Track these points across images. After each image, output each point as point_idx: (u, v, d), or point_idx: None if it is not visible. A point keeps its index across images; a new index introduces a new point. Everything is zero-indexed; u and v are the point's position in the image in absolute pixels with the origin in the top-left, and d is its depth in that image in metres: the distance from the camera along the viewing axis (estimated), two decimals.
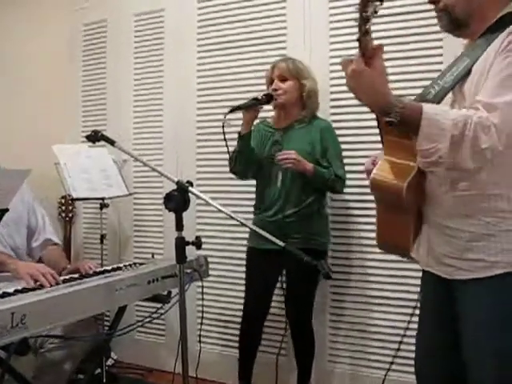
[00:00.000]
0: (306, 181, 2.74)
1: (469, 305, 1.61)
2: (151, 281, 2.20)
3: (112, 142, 2.11)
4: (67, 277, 2.19)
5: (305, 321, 2.86)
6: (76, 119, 4.04)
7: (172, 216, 1.88)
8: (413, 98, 1.63)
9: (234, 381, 3.03)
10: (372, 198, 1.73)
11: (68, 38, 4.08)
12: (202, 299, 2.52)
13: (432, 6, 1.69)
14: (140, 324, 2.41)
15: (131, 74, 3.80)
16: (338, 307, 3.08)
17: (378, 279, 2.92)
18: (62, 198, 3.77)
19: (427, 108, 1.44)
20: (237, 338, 2.99)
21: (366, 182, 1.69)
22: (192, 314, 3.17)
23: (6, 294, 1.84)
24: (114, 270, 2.33)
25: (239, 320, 2.96)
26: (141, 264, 2.46)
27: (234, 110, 2.71)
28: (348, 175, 2.85)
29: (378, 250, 1.83)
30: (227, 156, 2.82)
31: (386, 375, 2.15)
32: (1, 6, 3.68)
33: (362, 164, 1.82)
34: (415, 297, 2.61)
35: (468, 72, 1.57)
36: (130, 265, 2.43)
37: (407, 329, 1.93)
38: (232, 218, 1.86)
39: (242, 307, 2.96)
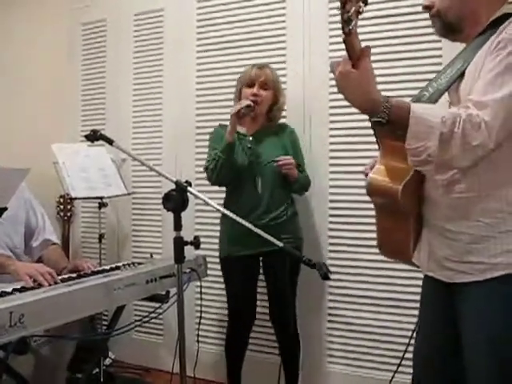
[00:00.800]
0: (284, 185, 2.81)
1: (469, 308, 1.60)
2: (149, 280, 2.21)
3: (110, 142, 2.11)
4: (66, 276, 2.19)
5: (290, 320, 2.85)
6: (75, 118, 4.04)
7: (171, 216, 1.88)
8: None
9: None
10: (369, 198, 1.72)
11: (67, 38, 4.09)
12: (201, 299, 2.52)
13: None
14: (138, 324, 2.42)
15: (130, 74, 3.80)
16: (335, 308, 3.09)
17: (375, 280, 2.93)
18: (61, 197, 3.78)
19: (415, 107, 1.43)
20: None
21: (364, 184, 1.69)
22: (190, 313, 3.18)
23: (4, 294, 1.84)
24: (112, 269, 2.34)
25: None
26: (139, 264, 2.47)
27: (239, 112, 2.70)
28: (346, 177, 2.87)
29: (375, 250, 1.82)
30: None
31: (392, 377, 2.15)
32: (0, 5, 3.67)
33: (360, 165, 1.83)
34: (413, 297, 2.63)
35: (462, 74, 1.58)
36: (129, 264, 2.44)
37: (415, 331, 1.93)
38: (230, 217, 1.86)
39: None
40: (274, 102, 2.87)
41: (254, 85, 2.81)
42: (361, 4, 1.36)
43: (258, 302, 2.99)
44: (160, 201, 1.88)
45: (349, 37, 1.40)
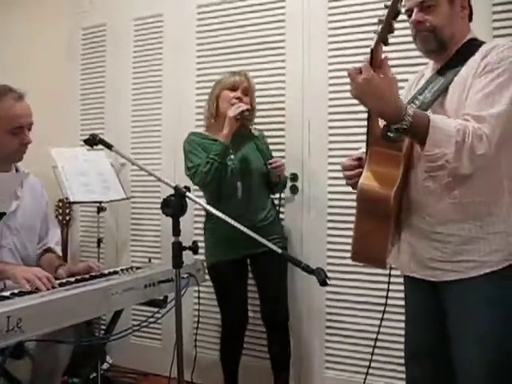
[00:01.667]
0: (264, 188, 2.87)
1: (455, 305, 1.71)
2: (148, 285, 2.20)
3: (110, 146, 2.11)
4: (64, 280, 2.19)
5: (284, 322, 2.88)
6: (74, 123, 4.04)
7: (169, 220, 1.88)
8: None
9: None
10: None
11: (67, 42, 4.09)
12: (199, 304, 2.52)
13: None
14: (136, 329, 2.41)
15: (130, 78, 3.80)
16: (333, 313, 3.08)
17: (374, 286, 2.92)
18: (60, 201, 3.77)
19: (433, 116, 1.56)
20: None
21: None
22: (188, 318, 3.18)
23: (2, 298, 1.84)
24: (110, 273, 2.33)
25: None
26: (137, 268, 2.46)
27: (243, 113, 2.72)
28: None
29: None
30: None
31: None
32: (1, 9, 3.68)
33: None
34: None
35: (445, 90, 1.71)
36: (127, 269, 2.43)
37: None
38: (228, 223, 1.87)
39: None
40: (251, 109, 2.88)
41: (237, 89, 2.83)
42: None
43: (250, 307, 3.00)
44: (159, 205, 1.88)
45: (378, 47, 1.54)
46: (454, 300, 1.71)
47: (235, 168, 2.81)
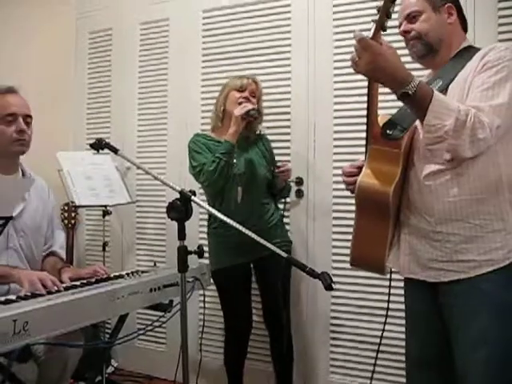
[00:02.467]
0: (266, 192, 2.87)
1: (456, 305, 1.72)
2: (153, 289, 2.21)
3: (115, 151, 2.12)
4: (69, 284, 2.19)
5: (285, 326, 2.87)
6: (81, 127, 4.06)
7: (175, 224, 1.89)
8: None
9: None
10: None
11: (74, 46, 4.11)
12: (204, 307, 2.52)
13: None
14: (141, 333, 2.41)
15: (136, 83, 3.82)
16: (338, 318, 3.08)
17: (379, 290, 2.91)
18: (65, 205, 3.78)
19: (437, 92, 1.61)
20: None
21: None
22: (193, 322, 3.18)
23: (8, 301, 1.84)
24: (116, 277, 2.34)
25: None
26: (143, 272, 2.47)
27: (248, 113, 2.71)
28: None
29: None
30: None
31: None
32: (6, 15, 3.70)
33: None
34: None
35: (444, 90, 1.75)
36: (132, 273, 2.44)
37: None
38: (232, 226, 1.87)
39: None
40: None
41: (245, 90, 2.84)
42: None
43: (255, 310, 3.00)
44: (164, 209, 1.89)
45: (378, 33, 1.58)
46: (455, 301, 1.72)
47: (238, 172, 2.80)
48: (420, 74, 2.01)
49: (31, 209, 2.43)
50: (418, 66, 1.99)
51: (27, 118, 2.37)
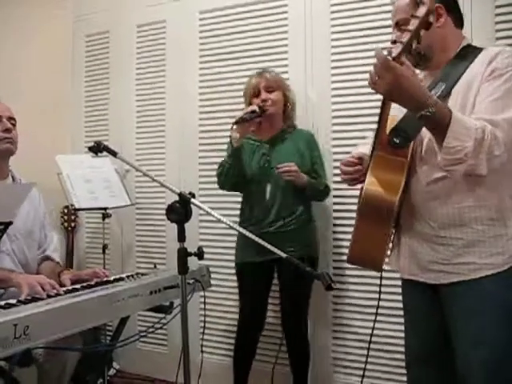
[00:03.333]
0: (296, 192, 2.78)
1: (457, 306, 1.73)
2: (153, 291, 2.20)
3: (114, 154, 2.11)
4: (70, 287, 2.19)
5: (301, 331, 2.86)
6: (79, 130, 4.06)
7: (174, 226, 1.88)
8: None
9: None
10: None
11: (71, 49, 4.11)
12: (204, 309, 2.52)
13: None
14: (142, 335, 2.41)
15: (133, 85, 3.82)
16: (340, 317, 3.08)
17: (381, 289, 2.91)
18: (65, 207, 3.79)
19: (454, 111, 1.58)
20: None
21: None
22: (194, 324, 3.18)
23: (8, 305, 1.84)
24: (116, 280, 2.34)
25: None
26: (143, 274, 2.47)
27: (238, 122, 2.71)
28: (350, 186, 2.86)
29: None
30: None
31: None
32: (4, 19, 3.70)
33: (363, 175, 1.86)
34: None
35: (447, 94, 1.73)
36: (133, 275, 2.44)
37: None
38: (232, 228, 1.87)
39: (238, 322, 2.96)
40: (286, 100, 2.88)
41: (260, 92, 2.83)
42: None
43: (272, 313, 3.00)
44: (164, 211, 1.88)
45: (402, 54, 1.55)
46: (455, 302, 1.74)
47: (267, 169, 2.80)
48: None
49: (23, 214, 2.44)
50: None
51: (11, 119, 2.47)
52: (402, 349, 2.02)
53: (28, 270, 2.45)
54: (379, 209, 1.72)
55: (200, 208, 1.88)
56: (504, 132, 1.57)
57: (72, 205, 3.37)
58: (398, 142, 1.71)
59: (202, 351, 2.63)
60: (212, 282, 2.70)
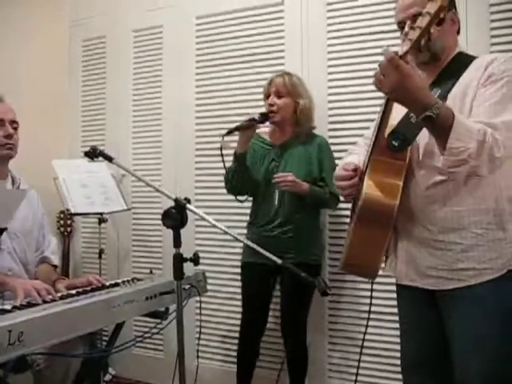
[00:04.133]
0: (302, 199, 2.76)
1: (456, 312, 1.73)
2: (149, 297, 2.20)
3: (110, 159, 2.11)
4: (65, 293, 2.19)
5: (299, 336, 2.86)
6: (75, 134, 4.06)
7: (170, 231, 1.88)
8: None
9: None
10: None
11: (67, 54, 4.11)
12: (200, 314, 2.51)
13: None
14: (138, 340, 2.40)
15: (130, 90, 3.82)
16: (336, 322, 3.08)
17: (375, 295, 2.90)
18: (61, 212, 3.78)
19: (456, 112, 1.59)
20: (235, 353, 2.99)
21: None
22: (190, 329, 3.17)
23: (2, 311, 1.84)
24: (112, 285, 2.33)
25: (237, 335, 2.96)
26: (139, 280, 2.46)
27: (231, 131, 2.72)
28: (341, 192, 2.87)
29: None
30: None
31: None
32: (2, 20, 3.70)
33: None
34: None
35: (443, 99, 1.71)
36: (128, 281, 2.43)
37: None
38: (227, 233, 1.87)
39: (240, 322, 2.96)
40: (295, 107, 2.84)
41: (269, 97, 2.84)
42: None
43: (272, 319, 3.00)
44: (160, 216, 1.88)
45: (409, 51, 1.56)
46: (454, 307, 1.73)
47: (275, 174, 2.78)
48: None
49: (21, 214, 2.43)
50: None
51: (13, 123, 2.44)
52: (398, 354, 2.02)
53: (27, 268, 2.46)
54: (379, 213, 1.71)
55: (195, 214, 1.88)
56: (503, 135, 1.59)
57: (68, 209, 3.36)
58: (396, 144, 1.72)
59: (197, 357, 2.63)
60: (208, 287, 2.70)
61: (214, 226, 1.87)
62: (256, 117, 2.75)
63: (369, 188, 1.72)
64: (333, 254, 3.06)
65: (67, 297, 2.09)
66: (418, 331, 1.89)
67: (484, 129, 1.57)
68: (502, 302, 1.69)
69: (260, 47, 3.32)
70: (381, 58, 2.65)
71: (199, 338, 2.65)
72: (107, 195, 3.49)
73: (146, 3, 3.77)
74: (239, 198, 2.92)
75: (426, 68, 1.85)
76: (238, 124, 2.75)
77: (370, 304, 2.00)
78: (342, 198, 2.90)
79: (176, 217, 1.83)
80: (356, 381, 2.38)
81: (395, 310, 2.05)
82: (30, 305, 1.95)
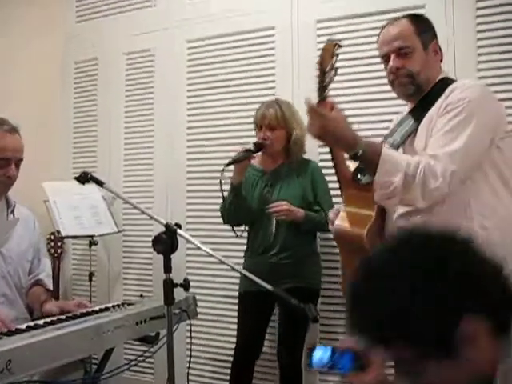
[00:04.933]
0: (297, 226, 2.77)
1: None
2: (139, 322, 2.18)
3: (101, 184, 2.11)
4: (55, 318, 2.16)
5: (295, 363, 2.84)
6: (67, 156, 4.05)
7: (161, 255, 1.88)
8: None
9: None
10: None
11: (59, 76, 4.12)
12: (191, 338, 2.50)
13: None
14: (127, 367, 2.38)
15: (122, 112, 3.82)
16: (328, 332, 3.07)
17: None
18: (51, 234, 3.75)
19: (386, 149, 1.70)
20: (226, 377, 2.96)
21: None
22: (180, 353, 3.14)
23: None
24: (101, 310, 2.31)
25: (228, 359, 2.94)
26: (129, 304, 2.44)
27: (229, 164, 2.72)
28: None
29: None
30: (217, 195, 2.82)
31: None
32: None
33: None
34: None
35: (414, 130, 1.81)
36: (118, 305, 2.41)
37: None
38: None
39: (231, 346, 2.94)
40: (288, 138, 2.84)
41: (261, 129, 2.82)
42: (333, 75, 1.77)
43: (267, 343, 2.99)
44: (151, 239, 1.88)
45: (323, 98, 1.74)
46: None
47: (269, 202, 2.77)
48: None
49: (17, 236, 2.42)
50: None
51: (19, 161, 2.41)
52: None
53: (21, 292, 2.44)
54: (350, 242, 1.80)
55: (186, 239, 1.89)
56: (443, 166, 1.61)
57: (58, 232, 3.35)
58: (361, 179, 1.81)
59: (188, 380, 2.61)
60: (198, 310, 2.69)
61: (208, 254, 1.88)
62: (251, 147, 2.75)
63: (339, 219, 1.84)
64: (327, 278, 3.04)
65: (57, 322, 2.07)
66: None
67: (418, 162, 1.62)
68: None
69: (251, 71, 3.35)
70: (373, 82, 2.72)
71: (190, 362, 2.63)
72: (98, 217, 3.48)
73: (138, 26, 3.79)
74: (236, 229, 2.88)
75: (410, 99, 1.91)
76: (234, 157, 2.73)
77: None
78: None
79: (167, 242, 1.83)
80: None
81: None
82: (18, 331, 1.92)
